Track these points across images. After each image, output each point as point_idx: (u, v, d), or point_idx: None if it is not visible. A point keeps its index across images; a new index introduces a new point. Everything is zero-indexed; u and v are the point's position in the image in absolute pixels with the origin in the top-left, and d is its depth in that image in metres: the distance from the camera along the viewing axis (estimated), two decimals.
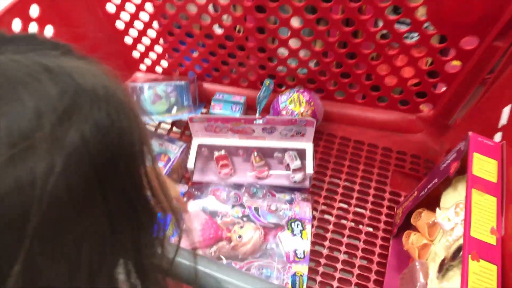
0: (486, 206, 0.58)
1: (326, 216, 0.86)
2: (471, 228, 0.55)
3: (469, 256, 0.53)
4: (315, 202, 0.88)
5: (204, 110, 1.03)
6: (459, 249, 0.58)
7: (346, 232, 0.84)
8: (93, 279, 0.30)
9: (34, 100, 0.26)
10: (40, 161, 0.25)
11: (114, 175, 0.30)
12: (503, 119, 0.69)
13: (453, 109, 0.91)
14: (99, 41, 0.92)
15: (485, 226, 0.56)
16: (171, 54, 1.03)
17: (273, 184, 0.87)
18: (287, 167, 0.88)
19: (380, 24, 0.81)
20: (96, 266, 0.30)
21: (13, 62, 0.27)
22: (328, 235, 0.84)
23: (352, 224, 0.85)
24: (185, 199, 0.83)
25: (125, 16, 0.97)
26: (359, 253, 0.81)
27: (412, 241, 0.73)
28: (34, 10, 0.81)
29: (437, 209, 0.66)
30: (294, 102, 0.92)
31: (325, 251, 0.82)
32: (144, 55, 1.06)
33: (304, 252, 0.75)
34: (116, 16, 0.97)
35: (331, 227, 0.85)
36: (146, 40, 1.02)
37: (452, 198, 0.67)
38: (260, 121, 0.84)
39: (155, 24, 0.97)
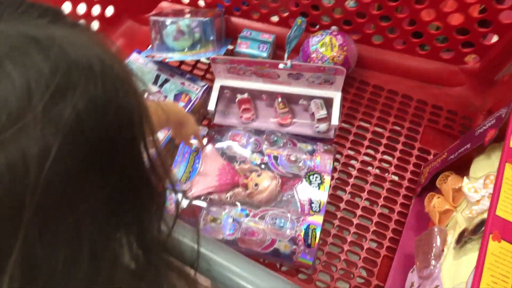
0: None
1: (348, 169, 0.84)
2: (497, 206, 0.51)
3: (490, 235, 0.49)
4: (338, 153, 0.85)
5: (230, 47, 0.98)
6: (481, 223, 0.55)
7: (367, 187, 0.82)
8: (96, 263, 0.29)
9: (23, 77, 0.23)
10: (33, 144, 0.23)
11: (112, 155, 0.28)
12: None
13: (502, 63, 0.82)
14: None
15: None
16: None
17: (295, 133, 0.84)
18: (312, 116, 0.84)
19: None
20: (98, 249, 0.29)
21: None
22: (348, 188, 0.82)
23: (374, 179, 0.82)
24: (205, 140, 0.82)
25: None
26: (378, 210, 0.79)
27: (434, 204, 0.70)
28: None
29: (465, 178, 0.61)
30: (325, 46, 0.85)
31: (342, 205, 0.80)
32: None
33: (320, 205, 0.74)
34: None
35: (351, 180, 0.83)
36: None
37: (484, 168, 0.62)
38: (286, 66, 0.79)
39: None
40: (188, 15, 0.91)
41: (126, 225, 0.32)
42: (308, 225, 0.72)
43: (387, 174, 0.83)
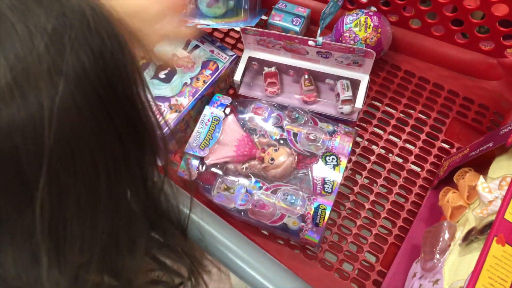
0: None
1: (367, 154, 0.83)
2: (507, 209, 0.50)
3: (495, 238, 0.49)
4: (359, 137, 0.85)
5: (264, 18, 0.97)
6: (490, 224, 0.54)
7: (384, 173, 0.81)
8: (113, 196, 0.32)
9: (22, 22, 0.26)
10: (42, 83, 0.26)
11: (114, 95, 0.30)
12: None
13: None
14: None
15: None
16: None
17: (318, 111, 0.83)
18: (337, 96, 0.83)
19: None
20: (113, 182, 0.32)
21: None
22: (364, 172, 0.82)
23: (392, 166, 0.82)
24: (227, 110, 0.82)
25: None
26: (392, 197, 0.79)
27: (448, 199, 0.69)
28: None
29: (481, 176, 0.60)
30: (359, 26, 0.83)
31: (356, 189, 0.81)
32: None
33: (332, 186, 0.74)
34: None
35: (369, 165, 0.82)
36: None
37: (503, 169, 0.61)
38: (316, 44, 0.78)
39: None
40: None
41: (131, 165, 0.34)
42: (319, 205, 0.73)
43: (406, 162, 0.82)
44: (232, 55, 0.87)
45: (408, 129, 0.84)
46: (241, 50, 0.88)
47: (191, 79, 0.84)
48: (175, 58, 0.81)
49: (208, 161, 0.78)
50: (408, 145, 0.83)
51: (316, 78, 0.85)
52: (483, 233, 0.55)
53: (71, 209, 0.29)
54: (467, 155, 0.70)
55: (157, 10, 0.55)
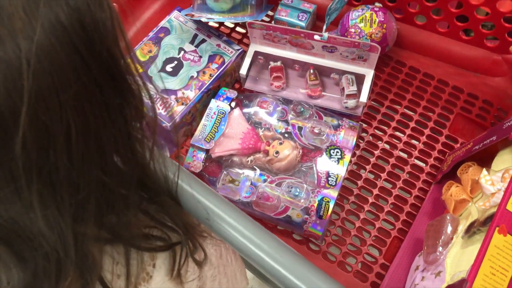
0: None
1: (371, 148, 0.84)
2: (509, 200, 0.51)
3: (497, 228, 0.50)
4: (363, 131, 0.85)
5: (270, 13, 0.98)
6: (492, 216, 0.55)
7: (388, 168, 0.82)
8: (97, 136, 0.32)
9: None
10: (19, 29, 0.27)
11: (91, 46, 0.30)
12: None
13: None
14: None
15: None
16: None
17: (323, 106, 0.84)
18: (342, 91, 0.84)
19: None
20: (95, 121, 0.32)
21: None
22: (368, 167, 0.82)
23: (396, 161, 0.82)
24: (233, 103, 0.83)
25: None
26: (395, 191, 0.80)
27: (451, 193, 0.70)
28: None
29: (484, 169, 0.61)
30: (365, 21, 0.84)
31: (360, 183, 0.81)
32: None
33: (336, 180, 0.75)
34: None
35: (373, 159, 0.83)
36: None
37: (506, 162, 0.61)
38: (321, 38, 0.78)
39: None
40: None
41: (112, 112, 0.34)
42: (322, 197, 0.74)
43: (410, 157, 0.82)
44: (238, 49, 0.87)
45: (412, 124, 0.85)
46: (247, 45, 0.89)
47: (198, 72, 0.85)
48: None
49: (213, 154, 0.79)
50: (412, 140, 0.84)
51: (321, 72, 0.85)
52: (485, 224, 0.56)
53: (54, 150, 0.29)
54: (470, 149, 0.71)
55: None
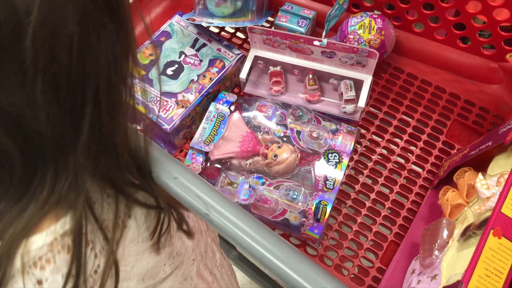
0: None
1: (369, 153, 0.85)
2: (504, 203, 0.51)
3: (491, 230, 0.50)
4: (361, 137, 0.86)
5: (270, 19, 0.99)
6: (487, 220, 0.56)
7: (385, 173, 0.83)
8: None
9: None
10: None
11: None
12: None
13: None
14: None
15: None
16: None
17: (322, 111, 0.85)
18: (340, 96, 0.85)
19: None
20: (96, 43, 0.32)
21: None
22: (366, 171, 0.83)
23: (393, 166, 0.83)
24: (232, 107, 0.84)
25: None
26: (392, 196, 0.80)
27: (448, 197, 0.70)
28: None
29: (480, 174, 0.62)
30: (364, 28, 0.85)
31: (357, 187, 0.82)
32: None
33: (334, 183, 0.76)
34: None
35: (371, 164, 0.84)
36: None
37: (502, 166, 0.62)
38: (321, 44, 0.80)
39: None
40: None
41: (102, 33, 0.34)
42: (320, 201, 0.74)
43: (407, 163, 0.83)
44: (238, 54, 0.88)
45: (409, 130, 0.86)
46: (247, 51, 0.90)
47: (198, 76, 0.86)
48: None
49: (212, 156, 0.79)
50: (409, 146, 0.85)
51: (320, 78, 0.86)
52: (481, 228, 0.56)
53: (60, 51, 0.30)
54: (466, 154, 0.71)
55: None
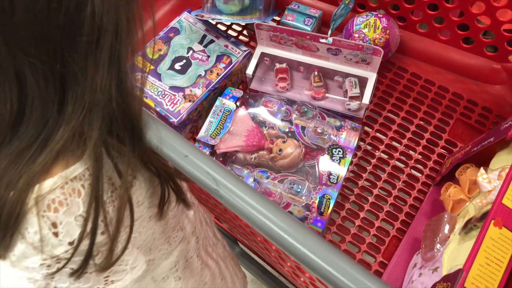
0: None
1: (372, 150, 0.86)
2: (504, 195, 0.52)
3: (492, 221, 0.51)
4: (365, 134, 0.87)
5: (277, 18, 1.01)
6: (488, 212, 0.57)
7: (388, 169, 0.84)
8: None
9: None
10: None
11: None
12: None
13: None
14: None
15: None
16: None
17: (326, 107, 0.86)
18: (345, 93, 0.86)
19: None
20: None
21: None
22: (369, 168, 0.84)
23: (397, 163, 0.84)
24: (239, 102, 0.86)
25: None
26: (395, 192, 0.81)
27: (450, 193, 0.71)
28: None
29: (482, 168, 0.63)
30: (369, 27, 0.87)
31: (360, 183, 0.83)
32: None
33: (337, 178, 0.77)
34: None
35: (374, 161, 0.85)
36: None
37: (503, 161, 0.63)
38: (326, 41, 0.81)
39: None
40: None
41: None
42: (323, 195, 0.76)
43: (410, 160, 0.84)
44: (245, 50, 0.90)
45: (413, 128, 0.87)
46: (254, 48, 0.91)
47: (205, 71, 0.88)
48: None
49: (218, 150, 0.81)
50: (412, 144, 0.86)
51: (326, 75, 0.88)
52: (482, 220, 0.57)
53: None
54: (469, 151, 0.72)
55: None
